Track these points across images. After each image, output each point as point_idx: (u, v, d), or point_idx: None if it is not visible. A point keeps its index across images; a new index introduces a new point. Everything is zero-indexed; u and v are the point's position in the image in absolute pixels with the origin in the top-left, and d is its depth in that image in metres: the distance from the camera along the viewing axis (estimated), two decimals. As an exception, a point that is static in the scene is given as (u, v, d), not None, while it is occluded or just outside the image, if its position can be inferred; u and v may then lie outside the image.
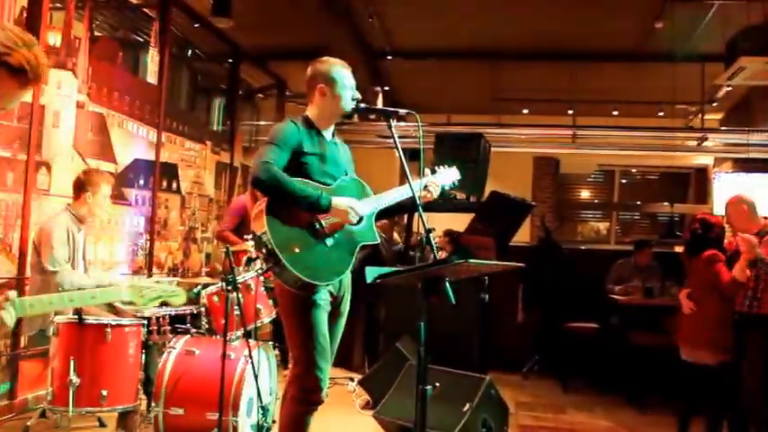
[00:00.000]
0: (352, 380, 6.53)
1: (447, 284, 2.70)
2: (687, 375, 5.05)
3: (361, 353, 8.03)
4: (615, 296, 7.69)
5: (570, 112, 9.23)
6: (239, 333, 4.81)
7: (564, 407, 6.83)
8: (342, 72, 3.39)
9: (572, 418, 6.44)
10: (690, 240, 5.17)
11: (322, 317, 3.21)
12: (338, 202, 3.13)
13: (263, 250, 3.04)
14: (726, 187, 9.18)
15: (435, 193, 3.40)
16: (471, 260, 2.65)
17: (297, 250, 3.03)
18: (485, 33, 7.94)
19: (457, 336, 5.77)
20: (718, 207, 9.17)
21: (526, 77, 9.18)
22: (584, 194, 11.17)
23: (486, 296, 6.17)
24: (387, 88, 9.78)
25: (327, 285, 3.20)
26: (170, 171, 6.85)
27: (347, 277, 3.38)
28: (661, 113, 10.06)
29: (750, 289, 4.69)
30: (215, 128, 7.90)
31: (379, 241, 3.37)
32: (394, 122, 3.22)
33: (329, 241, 3.15)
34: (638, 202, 11.09)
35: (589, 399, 7.32)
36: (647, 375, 6.84)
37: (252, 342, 4.36)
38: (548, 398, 7.26)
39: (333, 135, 3.44)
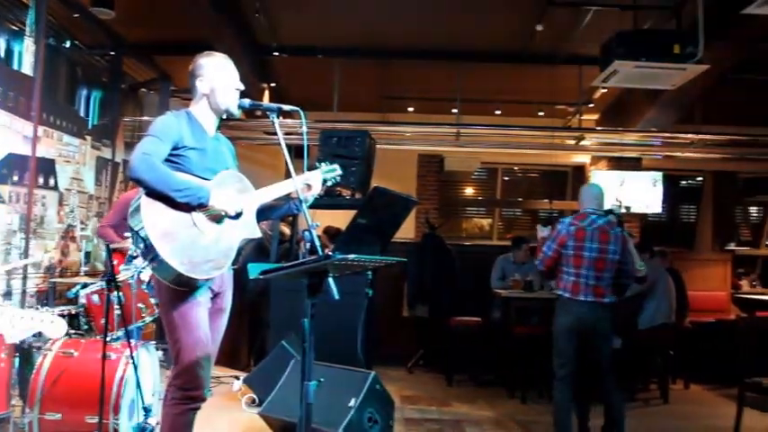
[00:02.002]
0: (237, 378, 6.47)
1: (331, 280, 2.73)
2: None
3: (247, 351, 7.97)
4: (497, 290, 7.94)
5: (455, 110, 9.39)
6: (120, 333, 4.70)
7: (448, 400, 7.00)
8: (225, 66, 3.36)
9: (456, 410, 6.61)
10: None
11: (202, 313, 3.17)
12: (218, 195, 3.11)
13: (141, 245, 2.97)
14: (601, 184, 9.60)
15: (316, 190, 3.42)
16: (353, 255, 2.68)
17: (175, 244, 2.98)
18: (372, 31, 7.98)
19: (342, 331, 5.80)
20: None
21: (412, 76, 9.28)
22: (468, 191, 11.39)
23: (371, 291, 6.23)
24: (274, 85, 9.70)
25: (207, 281, 3.15)
26: (47, 167, 6.58)
27: (228, 273, 3.34)
28: (541, 113, 10.36)
29: None
30: (95, 122, 7.64)
31: (260, 236, 3.35)
32: (278, 119, 3.22)
33: (209, 235, 3.10)
34: (520, 199, 11.42)
35: (473, 391, 7.54)
36: (529, 366, 7.09)
37: (133, 342, 4.27)
38: (432, 391, 7.43)
39: (216, 130, 3.41)
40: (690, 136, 9.09)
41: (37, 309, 2.74)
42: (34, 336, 4.17)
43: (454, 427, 5.92)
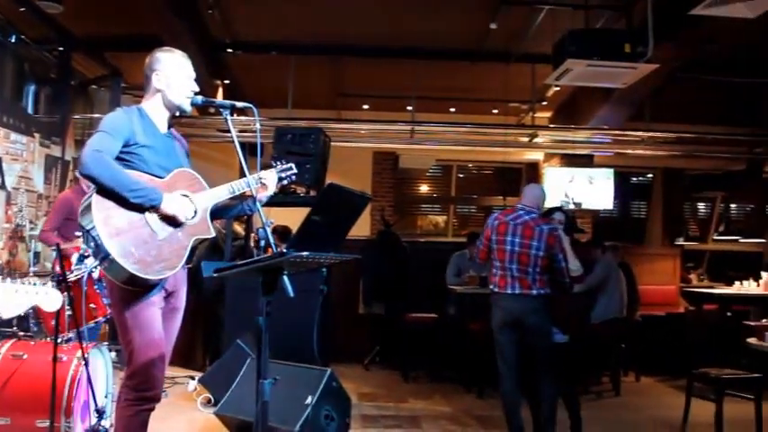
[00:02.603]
0: (192, 378, 6.41)
1: (285, 278, 2.71)
2: None
3: (202, 351, 7.90)
4: (453, 286, 7.98)
5: (409, 108, 9.42)
6: (71, 334, 4.62)
7: (405, 396, 7.03)
8: (180, 63, 3.32)
9: (413, 405, 6.64)
10: None
11: (155, 313, 3.12)
12: (169, 200, 3.06)
13: (92, 244, 2.92)
14: (554, 181, 9.75)
15: (271, 188, 3.40)
16: (308, 252, 2.67)
17: (126, 243, 2.93)
18: (327, 28, 7.97)
19: (297, 329, 5.79)
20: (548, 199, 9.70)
21: (367, 73, 9.28)
22: (423, 188, 11.45)
23: (326, 288, 6.22)
24: (227, 82, 9.62)
25: (160, 280, 3.11)
26: (-7, 165, 6.45)
27: (182, 271, 3.30)
28: (495, 111, 10.44)
29: None
30: (44, 120, 7.48)
31: (214, 235, 3.32)
32: (231, 116, 3.19)
33: (161, 234, 3.06)
34: (475, 196, 11.51)
35: (429, 387, 7.57)
36: (485, 362, 7.14)
37: (85, 343, 4.20)
38: (389, 388, 7.44)
39: (169, 127, 3.37)
40: (640, 133, 9.25)
41: (32, 284, 2.68)
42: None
43: (411, 423, 5.95)
